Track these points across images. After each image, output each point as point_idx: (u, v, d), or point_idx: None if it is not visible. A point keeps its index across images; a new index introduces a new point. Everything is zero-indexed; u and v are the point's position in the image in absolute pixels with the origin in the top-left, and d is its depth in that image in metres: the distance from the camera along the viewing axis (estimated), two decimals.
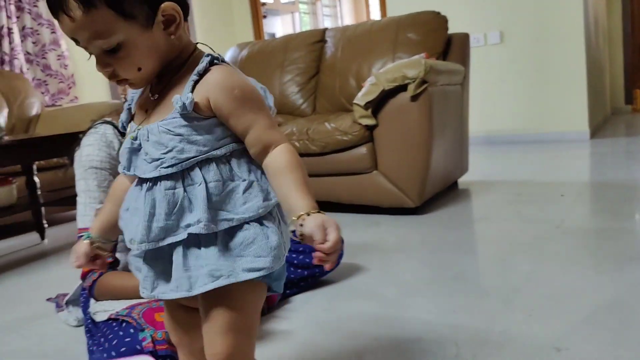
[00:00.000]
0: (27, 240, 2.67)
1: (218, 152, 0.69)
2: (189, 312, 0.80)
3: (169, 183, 0.68)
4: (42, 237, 2.60)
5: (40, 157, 2.34)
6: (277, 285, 0.77)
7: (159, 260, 0.71)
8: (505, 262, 1.63)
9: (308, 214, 0.64)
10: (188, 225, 0.67)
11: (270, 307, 1.43)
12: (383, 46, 2.85)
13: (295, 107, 3.09)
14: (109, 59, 0.67)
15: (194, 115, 0.67)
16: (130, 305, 1.15)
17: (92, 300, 1.28)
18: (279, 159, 0.68)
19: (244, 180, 0.70)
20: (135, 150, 0.71)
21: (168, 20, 0.67)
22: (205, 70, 0.69)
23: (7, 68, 3.51)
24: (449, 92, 2.49)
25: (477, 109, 4.36)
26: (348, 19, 8.95)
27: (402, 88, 2.20)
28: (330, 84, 2.99)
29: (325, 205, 2.47)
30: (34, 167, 2.44)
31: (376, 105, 2.26)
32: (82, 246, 0.79)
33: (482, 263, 1.65)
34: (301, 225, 0.64)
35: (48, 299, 1.72)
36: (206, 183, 0.67)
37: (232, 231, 0.68)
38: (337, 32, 3.12)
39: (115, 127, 1.31)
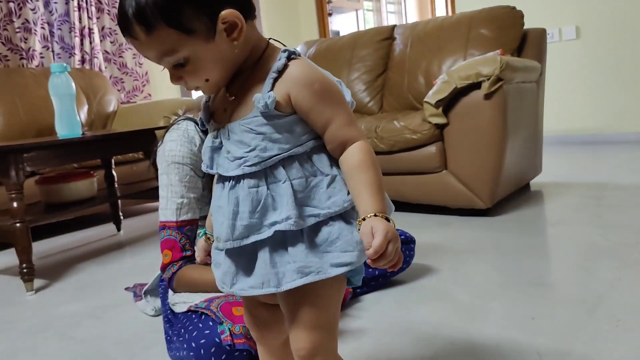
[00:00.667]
0: (105, 230, 2.80)
1: (300, 149, 0.69)
2: (269, 309, 0.81)
3: (252, 181, 0.68)
4: (118, 229, 2.71)
5: (118, 152, 2.44)
6: (357, 279, 0.77)
7: (241, 257, 0.71)
8: (586, 268, 1.55)
9: (364, 219, 0.64)
10: (274, 223, 0.67)
11: (342, 306, 1.42)
12: (454, 43, 2.78)
13: (362, 104, 3.07)
14: (179, 72, 0.68)
15: (275, 113, 0.67)
16: (208, 298, 1.18)
17: (170, 292, 1.32)
18: (353, 158, 0.68)
19: (327, 175, 0.70)
20: (216, 149, 0.72)
21: (230, 27, 0.67)
22: (284, 67, 0.68)
23: (87, 66, 3.69)
24: (525, 89, 2.40)
25: (552, 107, 4.19)
26: (412, 16, 8.82)
27: (475, 86, 2.14)
28: (399, 82, 2.95)
29: (393, 204, 2.46)
30: (112, 161, 2.56)
31: (447, 104, 2.21)
32: (200, 242, 0.81)
33: (560, 269, 1.58)
34: (358, 229, 0.65)
35: (126, 288, 1.79)
36: (290, 180, 0.68)
37: (317, 227, 0.68)
38: (407, 28, 3.08)
39: (197, 123, 1.34)
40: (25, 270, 1.86)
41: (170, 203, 1.28)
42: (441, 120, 2.22)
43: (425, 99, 2.24)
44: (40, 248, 2.54)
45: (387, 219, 0.64)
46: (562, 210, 2.27)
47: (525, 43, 2.69)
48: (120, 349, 1.34)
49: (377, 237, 0.62)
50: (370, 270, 1.50)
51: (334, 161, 0.71)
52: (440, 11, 8.61)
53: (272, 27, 5.16)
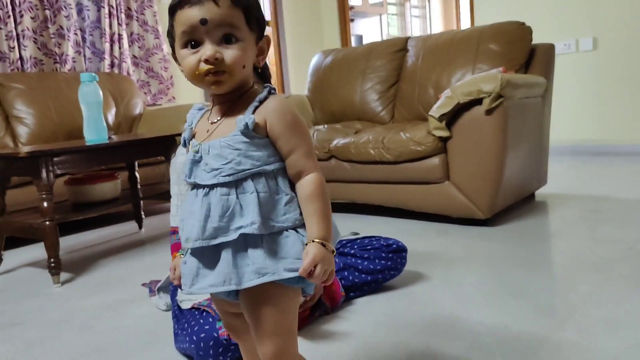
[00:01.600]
0: (127, 228, 2.99)
1: (268, 168, 0.82)
2: (238, 317, 0.92)
3: (224, 190, 0.81)
4: (140, 227, 2.89)
5: (140, 156, 2.61)
6: (309, 289, 0.88)
7: (205, 257, 0.83)
8: (567, 281, 1.65)
9: (307, 243, 0.79)
10: (239, 227, 0.79)
11: (334, 308, 1.55)
12: (464, 56, 2.88)
13: (374, 114, 3.19)
14: (222, 48, 0.80)
15: (252, 134, 0.81)
16: (210, 297, 1.32)
17: (179, 290, 1.47)
18: (307, 188, 0.81)
19: (287, 194, 0.83)
20: (196, 162, 0.85)
21: (261, 48, 0.86)
22: (265, 98, 0.83)
23: (116, 70, 3.89)
24: (528, 105, 2.49)
25: (567, 117, 4.24)
26: (437, 21, 8.86)
27: (478, 102, 2.24)
28: (409, 93, 3.06)
29: (396, 212, 2.56)
30: (136, 164, 2.73)
31: (451, 118, 2.31)
32: (176, 261, 0.97)
33: (544, 280, 1.68)
34: (305, 252, 0.79)
35: (143, 284, 1.95)
36: (257, 193, 0.81)
37: (275, 237, 0.81)
38: (419, 41, 3.18)
39: None
40: (52, 265, 2.04)
41: (180, 211, 1.43)
42: (444, 133, 2.32)
43: (429, 113, 2.35)
44: (67, 243, 2.73)
45: (324, 245, 0.78)
46: (559, 222, 2.35)
47: (534, 58, 2.77)
48: (134, 340, 1.50)
49: (305, 261, 0.77)
50: (363, 275, 1.63)
51: (293, 184, 0.85)
52: (466, 17, 8.63)
53: (294, 33, 5.31)
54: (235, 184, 0.81)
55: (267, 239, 0.80)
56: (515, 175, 2.44)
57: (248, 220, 0.79)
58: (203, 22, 0.78)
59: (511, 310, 1.47)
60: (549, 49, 2.78)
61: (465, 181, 2.34)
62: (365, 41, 7.22)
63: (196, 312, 1.32)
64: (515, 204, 2.68)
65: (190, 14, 0.78)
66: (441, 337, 1.34)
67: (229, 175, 0.80)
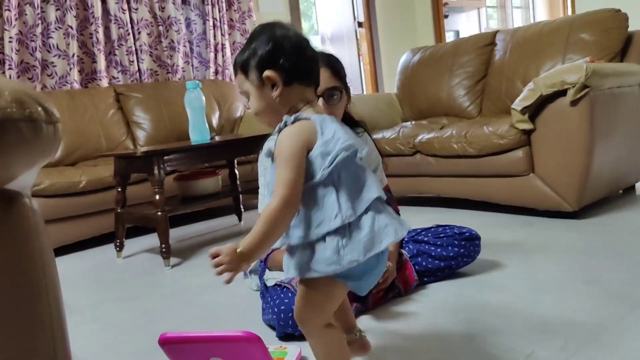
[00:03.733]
0: (228, 221, 3.27)
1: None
2: None
3: None
4: (240, 219, 3.16)
5: (239, 154, 2.86)
6: (354, 286, 1.00)
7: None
8: None
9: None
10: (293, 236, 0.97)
11: (407, 290, 1.66)
12: (553, 48, 2.83)
13: (462, 109, 3.22)
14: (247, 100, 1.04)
15: (272, 158, 0.99)
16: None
17: (266, 271, 1.66)
18: (264, 210, 0.92)
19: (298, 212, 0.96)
20: None
21: (271, 82, 0.98)
22: (285, 126, 0.98)
23: (220, 77, 4.24)
24: (621, 94, 2.41)
25: None
26: (541, 11, 8.49)
27: (562, 93, 2.22)
28: (497, 87, 3.06)
29: (482, 205, 2.59)
30: (235, 161, 3.00)
31: (534, 110, 2.31)
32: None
33: (620, 270, 1.66)
34: None
35: None
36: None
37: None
38: (508, 34, 3.16)
39: None
40: (164, 250, 2.33)
41: (266, 199, 1.61)
42: (527, 126, 2.33)
43: (512, 106, 2.36)
44: (177, 234, 3.06)
45: (237, 249, 0.92)
46: None
47: (630, 46, 2.67)
48: (229, 313, 1.71)
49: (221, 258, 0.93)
50: (436, 262, 1.71)
51: (303, 203, 0.95)
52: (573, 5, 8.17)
53: (388, 32, 5.40)
54: None
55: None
56: (608, 166, 2.38)
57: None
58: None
59: (582, 296, 1.49)
60: None
61: (551, 174, 2.32)
62: (462, 36, 7.13)
63: (279, 289, 1.49)
64: (610, 197, 2.60)
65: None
66: (506, 319, 1.40)
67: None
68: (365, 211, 0.94)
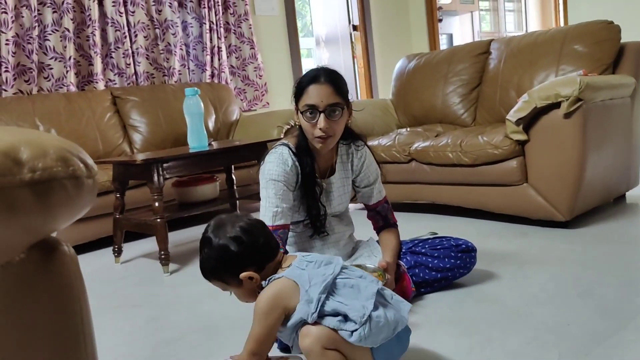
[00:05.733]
0: None
1: None
2: None
3: None
4: None
5: (236, 160, 2.89)
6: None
7: None
8: (638, 286, 1.67)
9: None
10: None
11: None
12: (547, 58, 2.88)
13: (456, 117, 3.26)
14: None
15: None
16: None
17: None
18: None
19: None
20: None
21: (250, 278, 1.19)
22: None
23: (216, 80, 4.25)
24: (613, 106, 2.46)
25: None
26: (533, 15, 8.56)
27: (556, 105, 2.26)
28: (491, 95, 3.10)
29: (477, 213, 2.63)
30: (232, 167, 3.02)
31: (529, 121, 2.35)
32: None
33: (614, 283, 1.71)
34: None
35: None
36: None
37: None
38: (502, 43, 3.21)
39: (290, 148, 1.69)
40: (163, 256, 2.35)
41: (268, 211, 1.64)
42: (522, 137, 2.37)
43: (507, 117, 2.40)
44: (175, 238, 3.08)
45: None
46: None
47: (623, 57, 2.72)
48: (229, 322, 1.73)
49: None
50: (433, 273, 1.75)
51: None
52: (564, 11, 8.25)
53: (382, 37, 5.43)
54: None
55: None
56: (599, 177, 2.43)
57: None
58: None
59: (576, 309, 1.54)
60: (638, 47, 2.71)
61: (544, 184, 2.37)
62: (455, 40, 7.17)
63: None
64: (602, 206, 2.65)
65: None
66: (502, 331, 1.44)
67: None
68: None
